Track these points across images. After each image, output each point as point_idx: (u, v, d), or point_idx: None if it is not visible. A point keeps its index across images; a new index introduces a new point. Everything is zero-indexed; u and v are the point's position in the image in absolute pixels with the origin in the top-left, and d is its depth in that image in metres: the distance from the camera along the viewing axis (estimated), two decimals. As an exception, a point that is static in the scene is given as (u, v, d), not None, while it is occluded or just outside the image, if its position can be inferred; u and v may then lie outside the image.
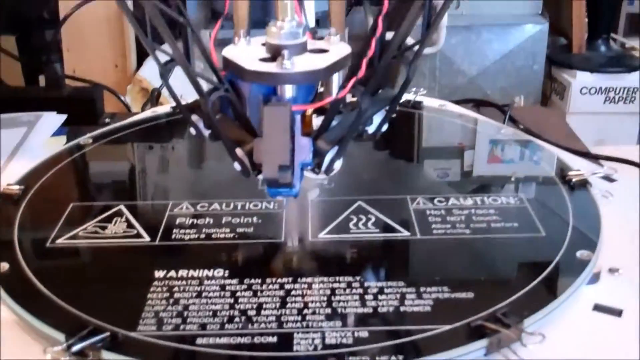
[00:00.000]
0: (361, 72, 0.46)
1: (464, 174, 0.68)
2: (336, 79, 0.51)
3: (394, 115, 0.53)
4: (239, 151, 0.49)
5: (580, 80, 1.67)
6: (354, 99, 0.50)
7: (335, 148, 0.49)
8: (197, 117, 0.51)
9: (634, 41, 1.86)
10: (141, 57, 1.31)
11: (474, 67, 1.68)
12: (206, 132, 0.51)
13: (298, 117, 0.48)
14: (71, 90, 0.92)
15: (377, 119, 0.53)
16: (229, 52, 0.49)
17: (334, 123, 0.50)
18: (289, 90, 0.48)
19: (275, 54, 0.47)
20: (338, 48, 0.50)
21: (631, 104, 1.67)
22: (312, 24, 0.52)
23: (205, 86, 0.47)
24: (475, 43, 1.67)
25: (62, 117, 0.82)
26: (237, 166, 0.49)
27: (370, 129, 0.53)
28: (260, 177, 0.49)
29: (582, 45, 1.75)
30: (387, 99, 0.52)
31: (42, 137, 0.78)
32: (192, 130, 0.52)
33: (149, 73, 1.25)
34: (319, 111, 0.51)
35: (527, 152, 0.68)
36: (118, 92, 1.05)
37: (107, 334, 0.42)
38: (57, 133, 0.79)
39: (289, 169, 0.44)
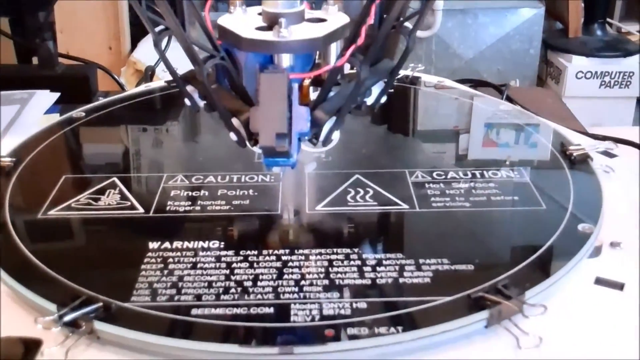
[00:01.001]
0: (360, 40, 0.45)
1: (463, 150, 0.67)
2: (334, 50, 0.50)
3: (392, 89, 0.53)
4: (235, 121, 0.48)
5: (576, 64, 1.67)
6: (353, 71, 0.49)
7: (333, 118, 0.48)
8: (192, 88, 0.50)
9: (630, 26, 1.87)
10: (135, 39, 1.30)
11: (470, 50, 1.68)
12: (201, 103, 0.50)
13: (295, 86, 0.47)
14: (65, 68, 0.91)
15: (376, 90, 0.52)
16: (224, 20, 0.48)
17: (331, 94, 0.49)
18: (285, 60, 0.47)
19: (272, 22, 0.47)
20: (336, 17, 0.49)
21: (627, 88, 1.68)
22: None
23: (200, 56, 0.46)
24: (472, 26, 1.66)
25: (55, 95, 0.82)
26: (233, 136, 0.48)
27: (369, 101, 0.52)
28: (256, 148, 0.49)
29: (578, 29, 1.75)
30: (386, 69, 0.52)
31: (35, 114, 0.77)
32: (187, 102, 0.51)
33: (143, 55, 1.25)
34: (316, 84, 0.51)
35: (527, 127, 0.68)
36: (111, 72, 1.04)
37: (100, 304, 0.41)
38: (50, 111, 0.79)
39: (286, 136, 0.43)
